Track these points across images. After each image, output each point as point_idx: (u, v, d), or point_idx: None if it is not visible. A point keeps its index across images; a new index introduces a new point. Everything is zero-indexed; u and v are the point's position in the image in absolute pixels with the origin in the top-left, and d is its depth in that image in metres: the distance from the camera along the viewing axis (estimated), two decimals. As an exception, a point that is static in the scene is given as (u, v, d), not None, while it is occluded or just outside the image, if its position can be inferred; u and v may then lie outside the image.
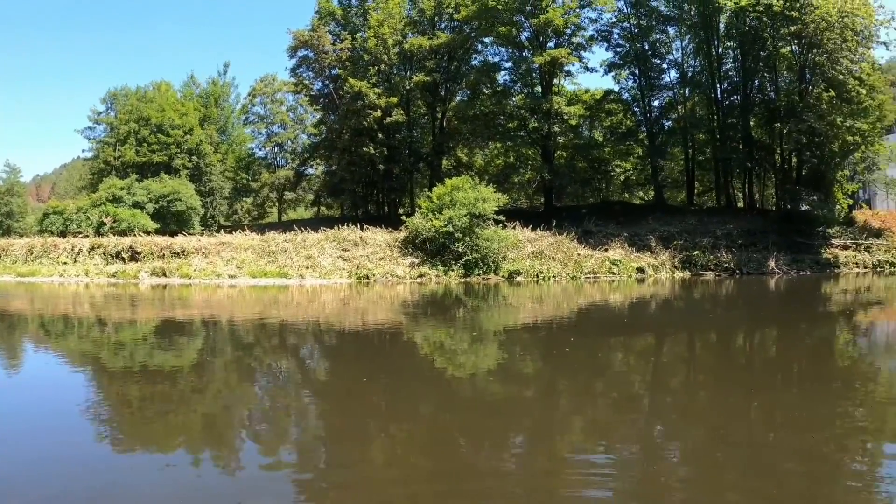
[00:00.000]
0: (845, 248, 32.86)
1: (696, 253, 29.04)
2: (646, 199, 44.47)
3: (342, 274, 26.05)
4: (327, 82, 39.86)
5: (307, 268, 26.39)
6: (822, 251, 32.00)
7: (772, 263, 29.49)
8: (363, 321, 15.95)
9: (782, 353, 12.34)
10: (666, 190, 42.72)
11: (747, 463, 5.85)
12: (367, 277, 25.62)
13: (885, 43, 33.78)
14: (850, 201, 37.57)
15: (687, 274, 28.11)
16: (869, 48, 34.04)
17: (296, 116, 52.43)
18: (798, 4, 31.35)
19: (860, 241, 33.68)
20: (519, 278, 26.37)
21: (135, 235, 29.90)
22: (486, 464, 5.71)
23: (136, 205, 35.39)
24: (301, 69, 40.34)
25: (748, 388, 9.05)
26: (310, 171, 49.39)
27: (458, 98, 40.10)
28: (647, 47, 38.08)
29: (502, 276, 26.37)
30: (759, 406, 8.10)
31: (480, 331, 14.33)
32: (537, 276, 26.54)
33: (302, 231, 29.53)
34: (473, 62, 39.14)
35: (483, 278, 25.83)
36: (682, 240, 30.00)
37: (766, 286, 25.55)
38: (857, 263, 32.01)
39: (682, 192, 42.47)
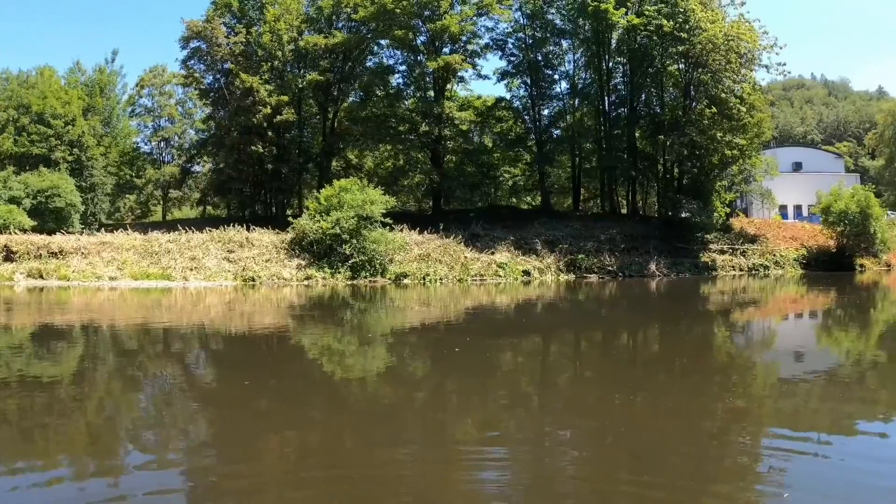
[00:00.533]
0: (722, 252, 35.06)
1: (580, 256, 30.04)
2: (533, 204, 45.72)
3: (227, 276, 25.46)
4: (219, 76, 38.70)
5: (191, 269, 25.64)
6: (701, 255, 33.97)
7: (653, 266, 30.97)
8: (249, 325, 15.76)
9: (664, 350, 13.09)
10: (553, 196, 44.22)
11: (634, 451, 6.20)
12: (253, 280, 25.21)
13: (766, 66, 36.51)
14: (728, 209, 39.75)
15: (571, 276, 29.05)
16: (751, 70, 36.64)
17: (184, 111, 50.60)
18: (687, 26, 33.36)
19: (736, 247, 36.01)
20: (406, 281, 26.49)
21: (10, 233, 27.95)
22: (379, 457, 5.88)
23: (12, 200, 33.07)
24: (193, 61, 39.02)
25: (632, 381, 9.55)
26: (197, 168, 47.91)
27: (351, 99, 40.07)
28: (540, 58, 39.41)
29: (389, 279, 26.40)
30: (644, 398, 8.49)
31: (368, 333, 14.44)
32: (424, 279, 26.72)
33: (187, 231, 28.68)
34: (368, 63, 39.36)
35: (370, 281, 25.82)
36: (567, 244, 31.05)
37: (648, 288, 27.00)
38: (733, 267, 34.12)
39: (569, 198, 43.92)
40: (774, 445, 6.64)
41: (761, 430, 7.37)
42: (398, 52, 37.84)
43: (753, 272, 34.13)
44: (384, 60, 38.88)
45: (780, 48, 36.21)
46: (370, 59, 39.29)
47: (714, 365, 11.46)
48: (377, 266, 26.41)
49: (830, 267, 36.21)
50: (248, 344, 13.01)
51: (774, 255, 36.35)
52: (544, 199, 41.86)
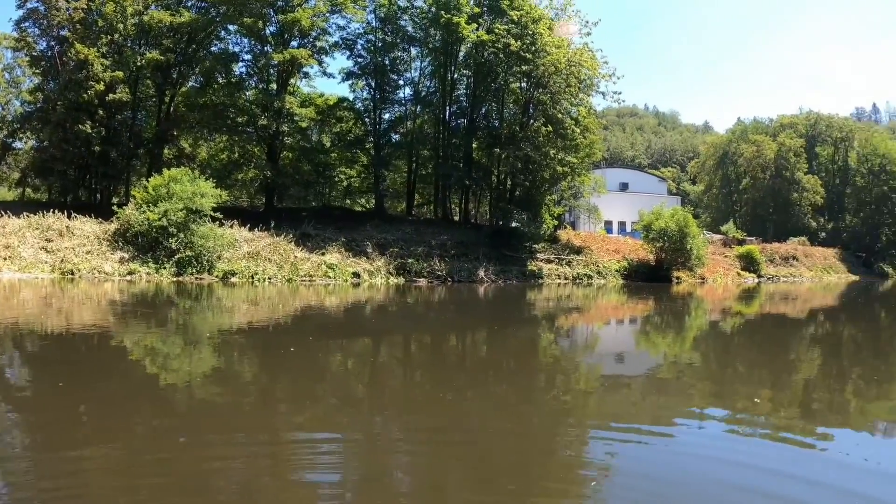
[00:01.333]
0: (549, 261, 37.30)
1: (410, 261, 30.44)
2: (367, 206, 45.62)
3: (44, 268, 23.52)
4: (53, 43, 34.86)
5: (5, 259, 23.35)
6: (528, 264, 35.88)
7: (481, 273, 32.19)
8: (68, 323, 14.51)
9: (492, 352, 13.51)
10: (387, 199, 44.42)
11: (466, 449, 6.51)
12: (73, 273, 23.42)
13: (603, 93, 39.75)
14: (556, 222, 42.56)
15: (401, 280, 29.34)
16: (589, 95, 39.62)
17: (11, 78, 45.30)
18: (534, 48, 35.41)
19: (562, 257, 38.44)
20: (234, 279, 25.54)
21: None
22: (207, 459, 5.77)
23: None
24: (28, 23, 34.63)
25: (462, 382, 9.95)
26: (18, 144, 42.83)
27: (191, 84, 38.02)
28: (387, 62, 39.90)
29: (216, 277, 25.42)
30: (474, 397, 8.88)
31: (195, 334, 13.89)
32: (252, 278, 25.95)
33: (2, 215, 26.07)
34: (213, 48, 37.14)
35: (196, 278, 24.78)
36: (398, 248, 31.40)
37: (476, 293, 27.85)
38: (558, 276, 36.37)
39: (403, 202, 44.39)
40: (600, 436, 7.25)
41: (587, 425, 7.95)
42: (245, 40, 36.66)
43: (578, 281, 36.63)
44: (230, 47, 37.29)
45: (618, 78, 39.79)
46: (216, 45, 37.28)
47: (541, 366, 12.10)
48: (205, 263, 25.39)
49: (649, 278, 39.88)
50: (65, 344, 12.03)
51: (598, 266, 39.25)
52: (378, 203, 41.85)
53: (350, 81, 40.12)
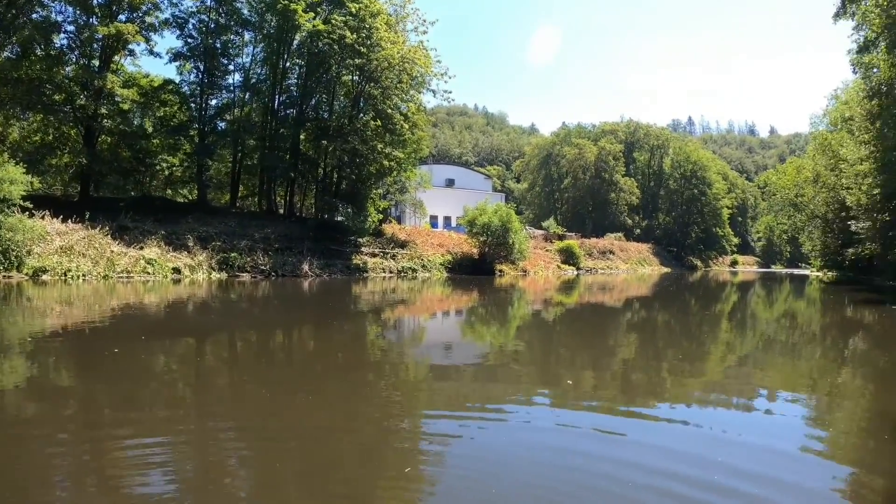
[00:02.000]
0: (374, 255, 38.82)
1: (233, 255, 30.03)
2: (189, 197, 43.81)
3: None
4: None
5: None
6: (353, 257, 37.07)
7: (305, 267, 32.55)
8: None
9: (319, 347, 13.54)
10: (210, 190, 43.33)
11: (300, 445, 6.66)
12: None
13: (434, 91, 41.50)
14: (381, 216, 44.01)
15: (224, 275, 28.70)
16: (420, 92, 41.34)
17: None
18: (369, 42, 36.47)
19: (388, 251, 40.22)
20: (45, 277, 23.53)
21: None
22: (30, 473, 5.63)
23: None
24: None
25: (291, 378, 10.00)
26: None
27: (6, 55, 33.97)
28: (218, 45, 39.13)
29: (26, 274, 23.25)
30: (304, 393, 8.90)
31: (3, 341, 12.77)
32: (65, 275, 24.05)
33: None
34: (34, 15, 33.79)
35: (4, 276, 22.57)
36: (220, 241, 30.82)
37: (301, 287, 27.72)
38: (383, 269, 37.87)
39: (227, 193, 43.51)
40: (432, 426, 7.73)
41: (419, 414, 8.38)
42: (70, 9, 33.97)
43: (402, 275, 38.13)
44: (53, 15, 34.20)
45: (450, 77, 41.50)
46: (37, 12, 33.97)
47: (369, 359, 12.29)
48: (13, 259, 23.07)
49: (473, 271, 42.89)
50: None
51: (423, 260, 41.42)
52: (201, 193, 40.78)
53: (178, 63, 38.87)
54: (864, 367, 14.00)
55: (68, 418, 7.57)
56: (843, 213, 52.26)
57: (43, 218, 25.85)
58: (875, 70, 36.59)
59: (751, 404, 9.87)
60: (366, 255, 38.53)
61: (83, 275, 24.55)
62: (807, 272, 74.76)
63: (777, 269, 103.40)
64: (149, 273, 26.43)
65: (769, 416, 9.16)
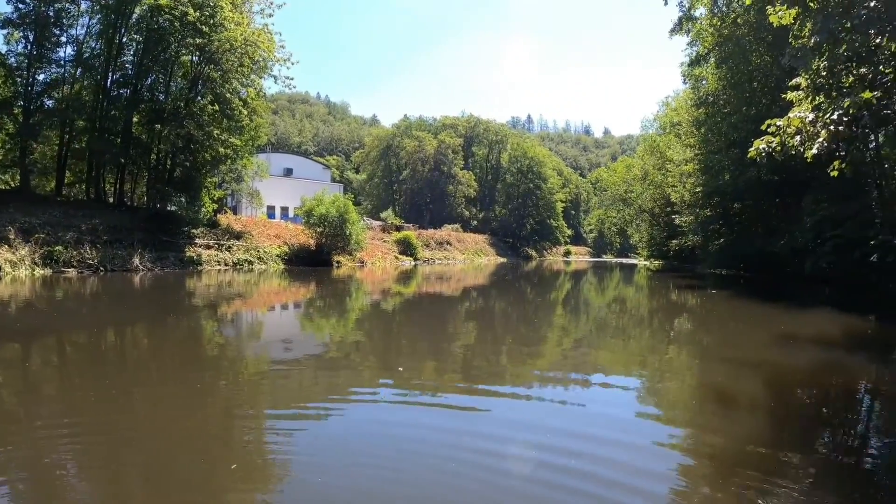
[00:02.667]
0: (208, 247, 37.76)
1: (58, 248, 28.39)
2: (11, 184, 40.88)
3: None
4: None
5: None
6: (187, 250, 35.85)
7: (136, 261, 31.25)
8: None
9: (154, 346, 13.13)
10: (34, 176, 40.23)
11: (140, 445, 6.62)
12: None
13: (275, 77, 40.93)
14: (217, 206, 43.07)
15: (48, 271, 27.15)
16: (261, 77, 40.54)
17: None
18: (212, 21, 35.19)
19: (223, 242, 39.25)
20: None
21: None
22: None
23: None
24: None
25: (127, 379, 9.71)
26: None
27: None
28: (52, 13, 36.25)
29: None
30: (142, 393, 8.79)
31: None
32: None
33: None
34: None
35: None
36: (45, 233, 28.95)
37: (132, 283, 26.67)
38: (218, 262, 36.99)
39: (52, 180, 40.51)
40: (278, 424, 7.77)
41: (263, 410, 8.42)
42: None
43: (238, 267, 37.63)
44: None
45: (293, 63, 40.89)
46: None
47: (207, 356, 12.16)
48: None
49: (310, 263, 42.88)
50: None
51: (259, 251, 40.92)
52: (24, 180, 37.94)
53: (6, 31, 35.57)
54: (689, 345, 15.93)
55: None
56: (668, 209, 57.52)
57: None
58: (704, 82, 40.95)
59: (588, 380, 10.96)
60: (200, 247, 37.48)
61: None
62: (635, 261, 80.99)
63: (608, 258, 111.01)
64: None
65: (606, 389, 10.27)
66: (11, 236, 27.34)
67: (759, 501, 5.77)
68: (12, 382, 9.71)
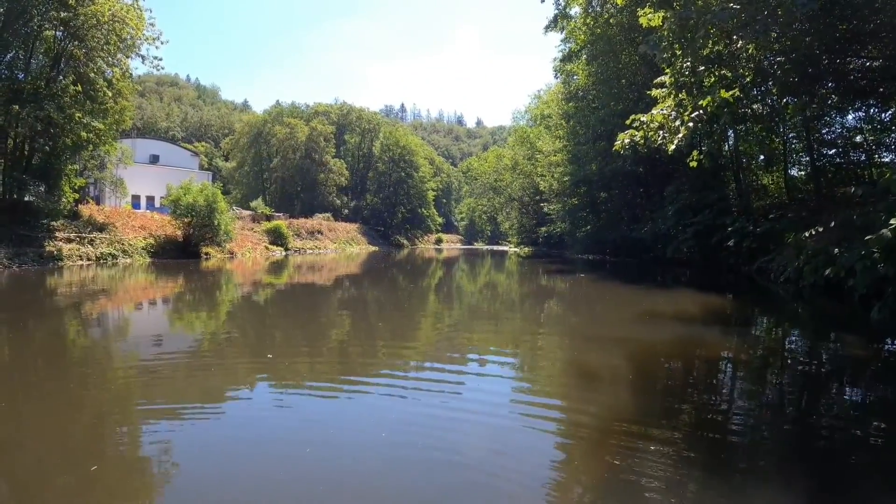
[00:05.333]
0: (70, 241, 35.81)
1: None
2: None
3: None
4: None
5: None
6: (46, 244, 33.84)
7: None
8: None
9: (10, 355, 12.07)
10: None
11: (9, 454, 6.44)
12: None
13: (143, 56, 39.18)
14: (78, 195, 40.91)
15: None
16: (128, 57, 38.65)
17: None
18: None
19: (85, 235, 37.33)
20: None
21: None
22: None
23: None
24: None
25: None
26: None
27: None
28: None
29: None
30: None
31: None
32: None
33: None
34: None
35: None
36: None
37: None
38: (81, 256, 35.13)
39: None
40: (153, 424, 7.70)
41: (133, 413, 8.25)
42: None
43: (102, 261, 36.04)
44: None
45: (162, 43, 39.57)
46: None
47: (71, 360, 11.71)
48: None
49: (178, 255, 41.84)
50: None
51: (123, 244, 39.45)
52: None
53: None
54: (558, 325, 16.98)
55: None
56: (538, 197, 59.73)
57: None
58: (575, 77, 42.70)
59: (461, 363, 11.51)
60: (61, 240, 35.45)
61: None
62: (506, 248, 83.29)
63: (479, 245, 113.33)
64: None
65: (479, 371, 10.95)
66: None
67: (628, 473, 6.19)
68: None
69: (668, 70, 18.87)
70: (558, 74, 44.50)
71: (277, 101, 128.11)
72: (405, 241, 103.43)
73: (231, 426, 7.82)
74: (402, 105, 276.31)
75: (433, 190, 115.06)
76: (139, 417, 8.18)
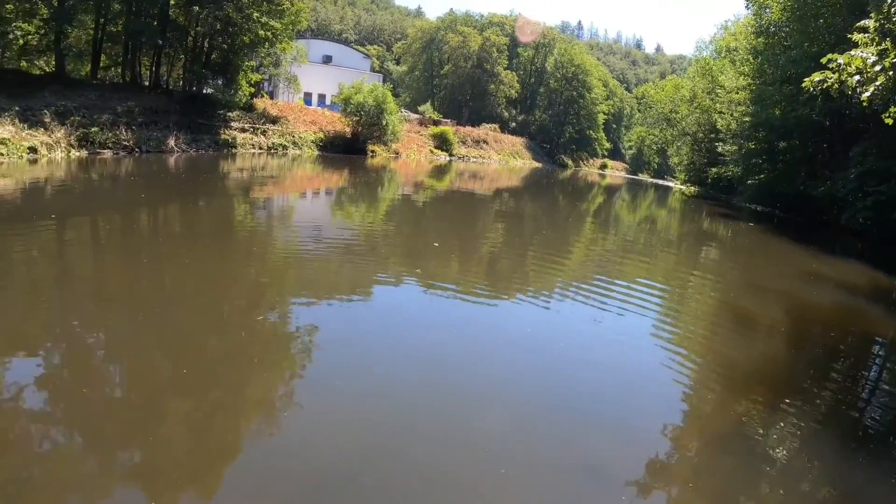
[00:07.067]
0: (244, 130, 38.32)
1: (94, 130, 28.22)
2: (46, 69, 39.13)
3: None
4: None
5: None
6: (222, 132, 36.30)
7: (171, 142, 31.52)
8: None
9: (185, 228, 13.33)
10: (69, 60, 38.68)
11: (174, 333, 6.92)
12: None
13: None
14: (253, 90, 42.79)
15: (84, 153, 26.99)
16: None
17: None
18: None
19: (258, 126, 39.72)
20: None
21: None
22: None
23: None
24: None
25: (156, 260, 9.99)
26: None
27: None
28: None
29: None
30: (172, 277, 9.06)
31: None
32: None
33: None
34: None
35: None
36: (80, 116, 28.63)
37: (166, 164, 27.45)
38: (253, 145, 37.66)
39: (87, 64, 39.43)
40: (303, 303, 8.14)
41: (286, 291, 8.73)
42: None
43: (273, 151, 38.31)
44: None
45: None
46: None
47: (238, 239, 12.42)
48: None
49: (345, 151, 43.62)
50: None
51: (294, 136, 41.51)
52: (59, 64, 36.11)
53: None
54: (716, 268, 16.33)
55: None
56: (712, 135, 56.12)
57: None
58: (767, 10, 39.15)
59: (611, 289, 11.37)
60: (235, 130, 37.95)
61: (-77, 163, 21.29)
62: (671, 184, 79.99)
63: (643, 177, 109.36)
64: (2, 154, 23.68)
65: (628, 299, 10.68)
66: (47, 119, 26.99)
67: (764, 415, 6.07)
68: (48, 258, 10.07)
69: (874, 15, 16.98)
70: (750, 5, 41.05)
71: (451, 9, 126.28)
72: (569, 162, 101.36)
73: (378, 310, 8.09)
74: (580, 22, 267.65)
75: (604, 113, 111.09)
76: (290, 296, 8.65)
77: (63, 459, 4.83)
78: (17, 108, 26.18)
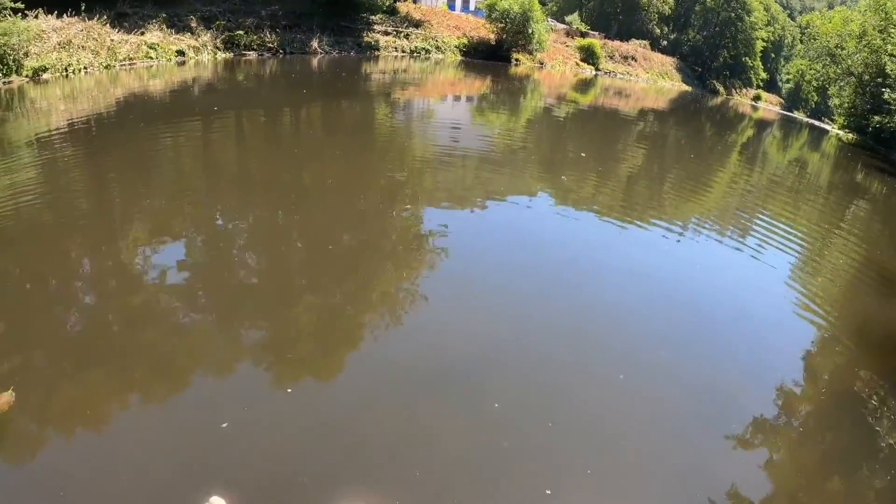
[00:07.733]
0: (387, 34, 38.36)
1: (238, 33, 28.97)
2: None
3: None
4: None
5: None
6: (365, 35, 36.55)
7: (315, 44, 32.17)
8: None
9: (325, 127, 13.91)
10: None
11: (315, 223, 7.49)
12: None
13: None
14: None
15: (229, 55, 27.83)
16: None
17: None
18: None
19: (401, 29, 39.65)
20: (46, 76, 20.60)
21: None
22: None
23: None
24: None
25: (297, 159, 10.46)
26: None
27: None
28: None
29: (26, 77, 20.15)
30: (312, 172, 9.59)
31: (9, 146, 12.29)
32: (66, 70, 21.55)
33: None
34: None
35: (4, 83, 19.39)
36: (225, 20, 29.46)
37: (309, 65, 28.26)
38: (395, 48, 37.69)
39: None
40: (436, 213, 8.36)
41: (419, 193, 8.98)
42: None
43: (415, 54, 38.21)
44: None
45: None
46: None
47: (378, 139, 12.80)
48: (10, 63, 19.87)
49: (488, 57, 42.74)
50: None
51: (437, 41, 41.14)
52: None
53: None
54: (859, 228, 15.15)
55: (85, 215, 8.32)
56: (880, 79, 51.12)
57: (37, 16, 22.77)
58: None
59: (747, 231, 11.15)
60: (378, 32, 38.08)
61: (84, 68, 22.34)
62: (827, 127, 74.38)
63: (799, 115, 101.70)
64: (151, 58, 25.05)
65: (765, 242, 10.48)
66: (193, 24, 27.98)
67: (869, 419, 5.85)
68: (198, 156, 10.77)
69: None
70: (944, -59, 36.61)
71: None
72: (721, 89, 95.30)
73: (508, 221, 8.30)
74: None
75: (763, 40, 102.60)
76: (422, 198, 8.98)
77: (199, 333, 5.50)
78: (164, 15, 27.20)
